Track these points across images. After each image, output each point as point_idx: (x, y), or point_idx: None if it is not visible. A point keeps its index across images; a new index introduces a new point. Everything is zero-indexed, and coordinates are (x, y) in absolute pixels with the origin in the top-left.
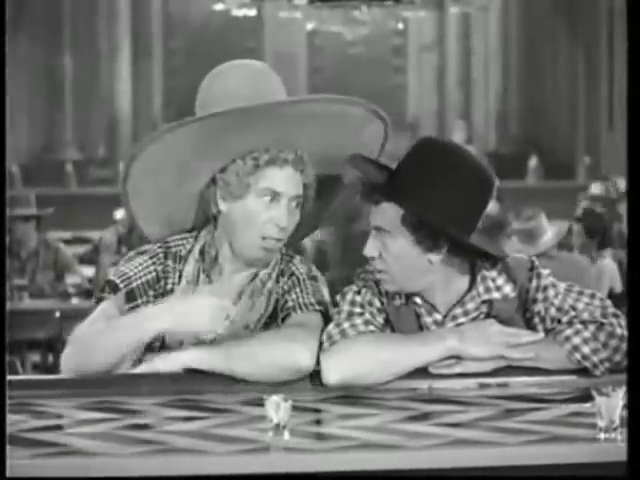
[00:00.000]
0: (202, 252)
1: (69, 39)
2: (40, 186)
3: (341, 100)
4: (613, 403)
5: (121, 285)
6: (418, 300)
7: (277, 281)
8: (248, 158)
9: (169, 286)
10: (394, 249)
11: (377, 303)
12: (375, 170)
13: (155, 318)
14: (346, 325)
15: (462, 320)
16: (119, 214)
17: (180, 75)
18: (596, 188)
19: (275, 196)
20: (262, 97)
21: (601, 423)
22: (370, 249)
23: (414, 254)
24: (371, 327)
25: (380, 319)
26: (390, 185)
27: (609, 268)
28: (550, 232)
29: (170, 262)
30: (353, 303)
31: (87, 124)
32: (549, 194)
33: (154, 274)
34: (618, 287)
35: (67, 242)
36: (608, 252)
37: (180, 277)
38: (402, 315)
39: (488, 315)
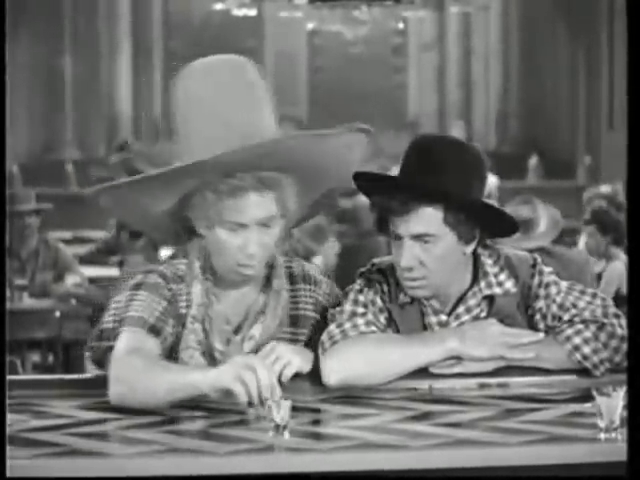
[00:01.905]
0: (204, 271)
1: (69, 39)
2: (40, 186)
3: (279, 141)
4: (613, 403)
5: (138, 328)
6: (424, 300)
7: (292, 286)
8: (207, 192)
9: (181, 310)
10: (439, 251)
11: (379, 302)
12: (382, 181)
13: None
14: (348, 325)
15: (465, 318)
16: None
17: None
18: (605, 188)
19: (240, 227)
20: (227, 111)
21: (601, 423)
22: (409, 259)
23: (456, 250)
24: (373, 327)
25: (382, 319)
26: (426, 188)
27: (616, 270)
28: (546, 222)
29: (173, 285)
30: (356, 302)
31: (87, 124)
32: (549, 194)
33: (165, 303)
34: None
35: (67, 242)
36: (620, 252)
37: (188, 299)
38: (406, 314)
39: (489, 311)
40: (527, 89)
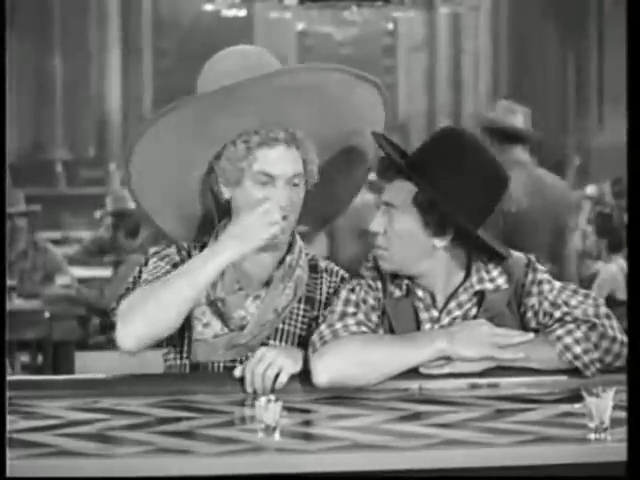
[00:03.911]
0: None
1: (59, 38)
2: (29, 186)
3: (318, 69)
4: (603, 404)
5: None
6: (420, 293)
7: (315, 274)
8: (239, 142)
9: None
10: (399, 226)
11: (371, 301)
12: (395, 149)
13: (215, 255)
14: (338, 325)
15: (457, 314)
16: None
17: (170, 75)
18: (591, 189)
19: (270, 179)
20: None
21: (591, 424)
22: (376, 224)
23: (418, 236)
24: (363, 328)
25: (374, 317)
26: (407, 163)
27: (610, 273)
28: None
29: (185, 252)
30: (347, 302)
31: (77, 124)
32: None
33: (168, 267)
34: (621, 294)
35: (56, 242)
36: (619, 257)
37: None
38: (400, 309)
39: (479, 307)
40: (517, 89)
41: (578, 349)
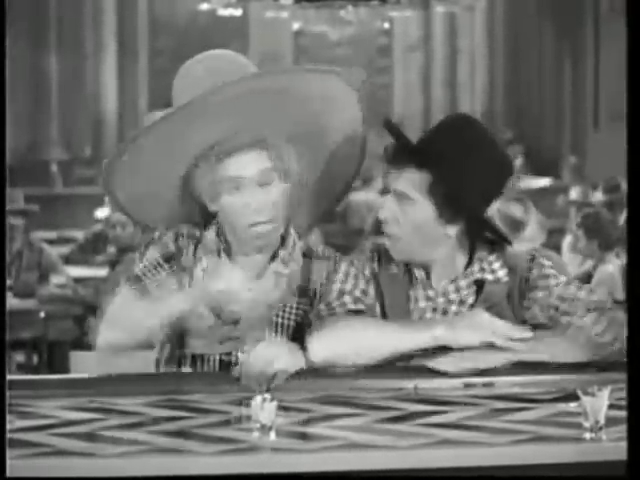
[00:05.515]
0: (218, 234)
1: (54, 38)
2: (25, 186)
3: (280, 72)
4: (599, 403)
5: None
6: (417, 272)
7: (309, 262)
8: (211, 156)
9: (185, 263)
10: (414, 217)
11: (368, 274)
12: (403, 138)
13: (180, 299)
14: (336, 304)
15: (453, 296)
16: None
17: (165, 75)
18: (575, 192)
19: (240, 183)
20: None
21: (587, 423)
22: (386, 212)
23: (433, 225)
24: (360, 305)
25: (371, 291)
26: (425, 153)
27: (607, 273)
28: (535, 226)
29: (181, 240)
30: (344, 278)
31: (73, 124)
32: (535, 194)
33: (159, 256)
34: (619, 294)
35: (52, 242)
36: (613, 256)
37: (195, 250)
38: (395, 283)
39: (478, 296)
40: (512, 89)
41: (590, 329)
